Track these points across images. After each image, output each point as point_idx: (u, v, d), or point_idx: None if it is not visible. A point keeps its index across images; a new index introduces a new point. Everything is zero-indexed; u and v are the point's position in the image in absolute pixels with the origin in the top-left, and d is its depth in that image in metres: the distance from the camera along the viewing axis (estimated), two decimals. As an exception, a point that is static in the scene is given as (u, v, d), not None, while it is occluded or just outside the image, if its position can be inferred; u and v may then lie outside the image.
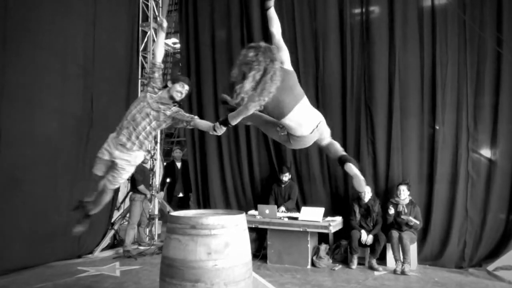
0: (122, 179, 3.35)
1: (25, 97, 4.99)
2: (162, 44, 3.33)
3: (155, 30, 7.49)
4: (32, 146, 5.05)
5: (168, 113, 3.17)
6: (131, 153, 3.22)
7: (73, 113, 5.61)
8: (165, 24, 3.30)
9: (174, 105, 3.24)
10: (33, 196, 5.05)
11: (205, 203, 6.87)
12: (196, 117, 3.19)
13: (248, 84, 2.51)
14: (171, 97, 3.21)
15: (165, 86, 3.27)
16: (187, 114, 3.21)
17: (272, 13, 2.94)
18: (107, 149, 3.28)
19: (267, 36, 6.35)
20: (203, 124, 3.16)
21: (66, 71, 5.52)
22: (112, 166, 3.31)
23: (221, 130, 2.91)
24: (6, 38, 4.74)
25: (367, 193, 5.35)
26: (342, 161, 2.96)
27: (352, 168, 2.87)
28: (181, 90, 3.21)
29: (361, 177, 2.87)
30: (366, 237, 5.15)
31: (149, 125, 3.17)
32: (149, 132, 3.20)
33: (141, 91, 7.11)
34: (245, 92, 2.51)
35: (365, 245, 5.28)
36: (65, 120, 5.49)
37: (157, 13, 7.55)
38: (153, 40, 7.44)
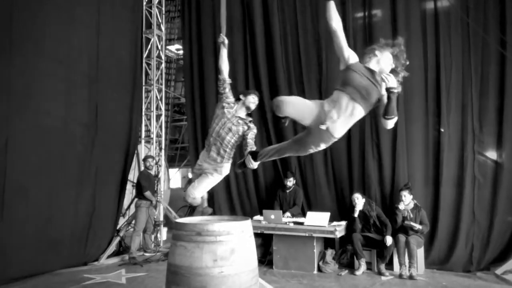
0: (209, 185, 3.56)
1: (31, 105, 5.02)
2: (226, 60, 3.52)
3: (159, 37, 7.55)
4: (38, 154, 5.07)
5: (247, 130, 3.43)
6: (221, 165, 3.45)
7: (78, 121, 5.63)
8: (226, 41, 3.51)
9: (251, 121, 3.50)
10: (39, 204, 5.06)
11: (210, 209, 6.86)
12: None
13: None
14: (248, 108, 3.48)
15: (238, 99, 3.51)
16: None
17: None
18: (199, 164, 3.56)
19: (269, 41, 6.45)
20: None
21: (71, 79, 5.56)
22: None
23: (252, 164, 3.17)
24: (11, 47, 4.77)
25: (358, 200, 5.33)
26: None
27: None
28: (254, 101, 3.51)
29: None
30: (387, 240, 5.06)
31: (232, 138, 3.40)
32: (233, 144, 3.43)
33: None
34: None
35: (369, 249, 5.25)
36: (71, 127, 5.52)
37: (160, 20, 7.60)
38: (156, 47, 7.50)
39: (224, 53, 3.52)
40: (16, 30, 4.83)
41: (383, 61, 2.69)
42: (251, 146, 3.39)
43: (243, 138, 3.41)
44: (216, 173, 3.48)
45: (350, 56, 2.72)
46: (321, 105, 2.63)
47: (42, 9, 5.18)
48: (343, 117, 2.61)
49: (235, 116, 3.43)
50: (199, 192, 3.52)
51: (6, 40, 4.73)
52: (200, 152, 3.68)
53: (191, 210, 9.30)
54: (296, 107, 2.61)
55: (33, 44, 5.04)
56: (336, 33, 2.72)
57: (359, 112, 2.64)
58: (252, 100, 3.48)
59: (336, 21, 2.71)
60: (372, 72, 2.65)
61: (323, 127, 2.58)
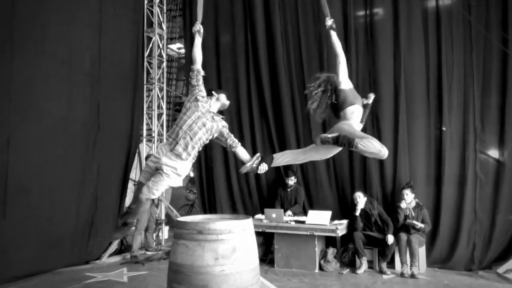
0: (162, 187, 3.15)
1: (33, 104, 5.03)
2: (200, 49, 3.38)
3: (160, 36, 7.55)
4: (40, 153, 5.07)
5: (221, 125, 3.28)
6: (181, 162, 3.12)
7: (80, 120, 5.64)
8: (201, 29, 3.43)
9: (223, 118, 3.35)
10: (41, 203, 5.07)
11: (211, 207, 6.87)
12: (239, 144, 3.36)
13: None
14: (222, 105, 3.35)
15: (209, 94, 3.33)
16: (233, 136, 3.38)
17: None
18: (156, 156, 3.19)
19: (271, 40, 6.43)
20: (243, 154, 3.35)
21: (73, 78, 5.56)
22: (155, 173, 3.18)
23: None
24: (13, 47, 4.78)
25: (360, 199, 5.33)
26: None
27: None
28: (226, 101, 3.37)
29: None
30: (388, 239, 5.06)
31: (204, 135, 3.19)
32: (203, 142, 3.21)
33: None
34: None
35: (371, 247, 5.25)
36: (72, 127, 5.52)
37: (161, 19, 7.60)
38: (158, 46, 7.50)
39: (198, 42, 3.38)
40: (17, 30, 4.83)
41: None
42: (233, 140, 3.33)
43: (218, 135, 3.31)
44: (174, 173, 3.10)
45: (344, 81, 3.30)
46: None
47: (43, 8, 5.17)
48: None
49: (209, 112, 3.23)
50: (155, 194, 3.15)
51: (7, 40, 4.74)
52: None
53: (191, 209, 9.34)
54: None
55: (34, 43, 5.05)
56: (339, 57, 3.26)
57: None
58: (226, 99, 3.36)
59: (340, 47, 3.29)
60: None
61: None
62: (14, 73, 4.80)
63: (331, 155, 3.40)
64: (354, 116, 3.23)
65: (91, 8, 5.90)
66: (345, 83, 3.30)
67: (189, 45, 7.30)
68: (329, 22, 3.41)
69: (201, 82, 3.31)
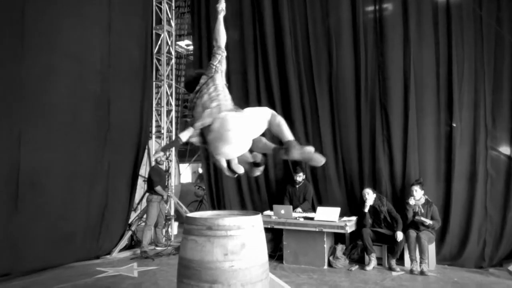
0: None
1: (43, 101, 5.09)
2: (223, 27, 3.23)
3: (169, 33, 7.57)
4: (51, 149, 5.14)
5: None
6: None
7: (90, 117, 5.70)
8: (222, 5, 3.27)
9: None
10: (53, 198, 5.15)
11: (219, 203, 6.90)
12: None
13: None
14: None
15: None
16: None
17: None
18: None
19: (279, 35, 6.40)
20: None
21: (83, 75, 5.62)
22: None
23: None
24: (24, 44, 4.84)
25: (369, 195, 5.31)
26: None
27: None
28: None
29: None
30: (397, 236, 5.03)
31: None
32: None
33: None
34: None
35: (380, 244, 5.24)
36: (83, 123, 5.58)
37: (170, 16, 7.62)
38: (166, 43, 7.52)
39: (221, 20, 3.25)
40: (28, 27, 4.89)
41: None
42: None
43: None
44: None
45: None
46: None
47: (53, 6, 5.23)
48: None
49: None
50: None
51: (18, 37, 4.80)
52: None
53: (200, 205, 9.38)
54: None
55: (45, 41, 5.11)
56: None
57: None
58: None
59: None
60: None
61: None
62: (25, 70, 4.87)
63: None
64: None
65: (101, 6, 5.94)
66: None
67: (198, 42, 7.32)
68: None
69: (224, 63, 3.13)
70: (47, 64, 5.13)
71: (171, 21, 7.69)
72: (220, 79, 3.07)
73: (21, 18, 4.83)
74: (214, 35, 3.20)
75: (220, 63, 3.11)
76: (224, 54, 3.15)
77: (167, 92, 7.51)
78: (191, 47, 10.38)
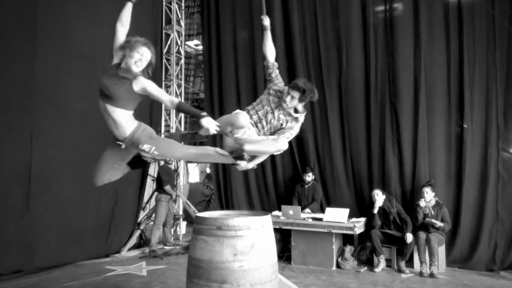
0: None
1: (55, 100, 5.14)
2: (270, 43, 3.26)
3: (178, 33, 7.60)
4: (62, 148, 5.19)
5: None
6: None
7: (101, 115, 5.72)
8: (267, 22, 3.32)
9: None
10: (63, 197, 5.20)
11: (228, 203, 6.91)
12: None
13: None
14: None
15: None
16: None
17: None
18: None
19: (289, 36, 6.38)
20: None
21: (94, 74, 5.64)
22: None
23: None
24: (36, 43, 4.90)
25: (378, 196, 5.27)
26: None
27: None
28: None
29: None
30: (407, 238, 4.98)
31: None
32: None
33: None
34: None
35: (389, 246, 5.20)
36: (94, 122, 5.59)
37: (179, 16, 7.65)
38: (176, 43, 7.54)
39: (267, 35, 3.29)
40: (41, 27, 4.95)
41: None
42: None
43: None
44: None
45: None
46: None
47: (65, 5, 5.28)
48: None
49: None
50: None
51: (31, 36, 4.86)
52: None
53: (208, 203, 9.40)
54: None
55: (57, 39, 5.16)
56: None
57: None
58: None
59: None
60: None
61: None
62: (37, 69, 4.92)
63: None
64: None
65: (111, 5, 5.95)
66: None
67: (207, 42, 7.33)
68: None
69: (274, 74, 3.23)
70: (59, 63, 5.18)
71: (181, 21, 7.72)
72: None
73: (34, 17, 4.88)
74: (263, 51, 3.27)
75: (276, 77, 3.25)
76: (276, 66, 3.26)
77: (176, 92, 7.54)
78: (200, 47, 10.42)
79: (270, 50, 3.25)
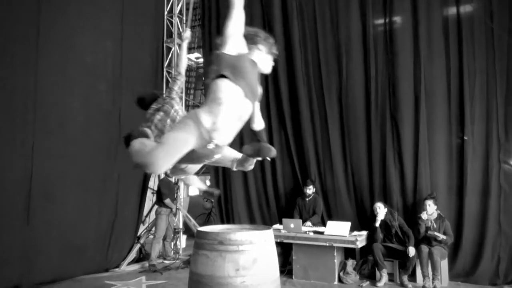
0: None
1: (57, 112, 5.15)
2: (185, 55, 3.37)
3: (179, 46, 7.63)
4: (63, 161, 5.17)
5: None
6: None
7: (102, 128, 5.74)
8: (188, 34, 3.39)
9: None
10: (64, 209, 5.16)
11: (228, 217, 6.86)
12: None
13: None
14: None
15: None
16: None
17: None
18: None
19: (289, 49, 6.42)
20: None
21: (97, 86, 5.69)
22: None
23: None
24: (38, 54, 4.92)
25: (380, 209, 5.24)
26: None
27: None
28: None
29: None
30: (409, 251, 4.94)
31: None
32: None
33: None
34: None
35: (391, 259, 5.15)
36: (95, 135, 5.63)
37: (181, 29, 7.71)
38: (177, 55, 7.59)
39: (184, 48, 3.37)
40: (43, 39, 4.97)
41: (263, 60, 2.20)
42: None
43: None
44: None
45: (230, 44, 2.04)
46: (198, 123, 1.87)
47: (68, 18, 5.33)
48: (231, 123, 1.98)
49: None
50: None
51: (33, 48, 4.89)
52: None
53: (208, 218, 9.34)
54: (167, 156, 1.84)
55: (59, 52, 5.19)
56: (234, 10, 2.11)
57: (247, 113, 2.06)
58: None
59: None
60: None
61: (211, 146, 1.95)
62: (39, 82, 4.94)
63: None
64: (225, 101, 1.90)
65: (114, 19, 6.04)
66: (231, 47, 2.03)
67: (208, 55, 7.37)
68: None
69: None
70: (61, 75, 5.20)
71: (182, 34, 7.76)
72: (177, 103, 3.18)
73: (36, 29, 4.91)
74: (177, 60, 3.33)
75: (179, 88, 3.23)
76: (183, 79, 3.23)
77: (176, 105, 7.54)
78: (201, 60, 10.48)
79: (184, 61, 3.36)
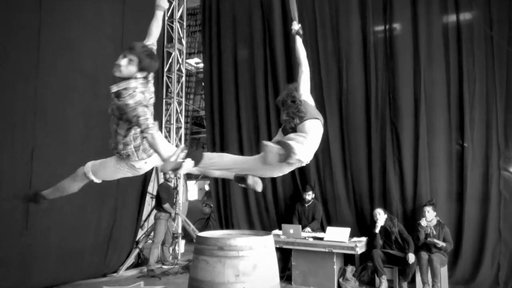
0: None
1: (57, 118, 5.13)
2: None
3: (179, 51, 7.67)
4: (62, 166, 5.11)
5: None
6: None
7: (102, 134, 5.69)
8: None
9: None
10: (63, 215, 5.13)
11: (227, 222, 6.84)
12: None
13: None
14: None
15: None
16: None
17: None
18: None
19: (289, 56, 6.45)
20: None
21: (96, 92, 5.67)
22: None
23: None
24: (39, 61, 4.91)
25: (380, 215, 5.23)
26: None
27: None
28: None
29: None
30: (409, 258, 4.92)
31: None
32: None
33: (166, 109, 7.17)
34: None
35: (391, 266, 5.13)
36: (94, 140, 5.60)
37: (181, 35, 7.74)
38: (177, 61, 7.61)
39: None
40: (44, 45, 4.96)
41: None
42: None
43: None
44: None
45: (305, 94, 2.97)
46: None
47: (69, 24, 5.33)
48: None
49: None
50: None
51: (34, 54, 4.87)
52: None
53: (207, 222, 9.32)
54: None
55: (60, 58, 5.18)
56: (302, 66, 2.97)
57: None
58: None
59: (304, 55, 3.01)
60: None
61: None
62: (40, 87, 4.92)
63: (279, 173, 2.72)
64: (311, 132, 2.68)
65: (115, 24, 6.04)
66: (306, 95, 2.92)
67: (208, 60, 7.40)
68: (296, 26, 3.14)
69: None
70: (62, 81, 5.19)
71: (182, 39, 7.79)
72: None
73: (37, 35, 4.91)
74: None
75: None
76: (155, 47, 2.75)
77: (176, 110, 7.56)
78: (201, 65, 10.51)
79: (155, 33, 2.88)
